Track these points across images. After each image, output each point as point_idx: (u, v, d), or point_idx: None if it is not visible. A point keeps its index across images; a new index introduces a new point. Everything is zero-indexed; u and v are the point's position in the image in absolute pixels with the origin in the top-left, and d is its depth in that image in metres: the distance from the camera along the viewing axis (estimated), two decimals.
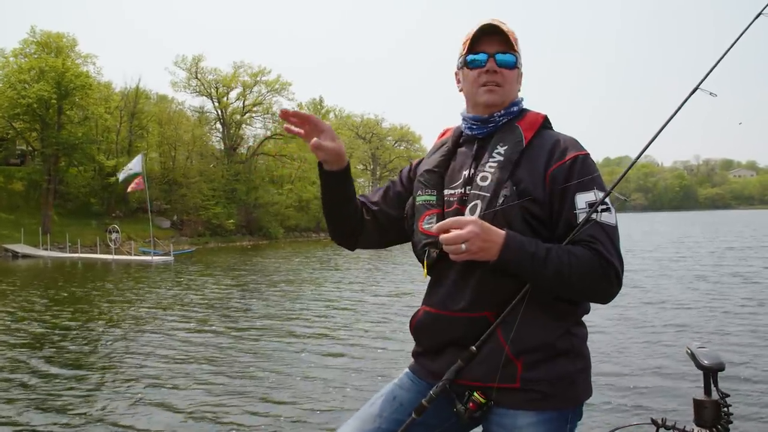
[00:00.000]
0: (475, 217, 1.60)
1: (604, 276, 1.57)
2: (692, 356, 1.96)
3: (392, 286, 15.93)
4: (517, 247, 1.55)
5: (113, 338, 9.72)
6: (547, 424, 1.64)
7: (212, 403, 6.19)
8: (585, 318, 1.77)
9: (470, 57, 1.77)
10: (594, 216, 1.60)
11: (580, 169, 1.65)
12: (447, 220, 1.58)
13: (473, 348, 1.63)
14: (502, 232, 1.56)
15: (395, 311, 12.09)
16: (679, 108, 1.74)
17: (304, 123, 1.76)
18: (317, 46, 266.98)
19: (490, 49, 1.75)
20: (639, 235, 41.29)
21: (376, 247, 2.06)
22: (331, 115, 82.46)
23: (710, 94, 1.72)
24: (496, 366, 1.61)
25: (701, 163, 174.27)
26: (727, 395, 1.87)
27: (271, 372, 7.42)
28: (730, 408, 1.86)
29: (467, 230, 1.52)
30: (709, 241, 32.80)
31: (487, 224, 1.56)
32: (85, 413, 5.90)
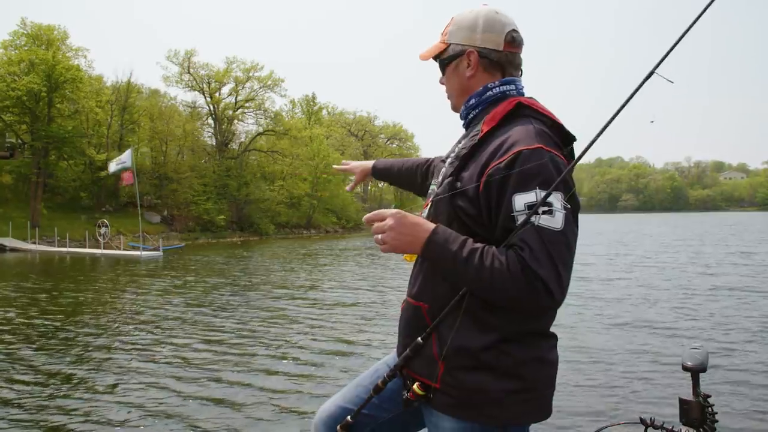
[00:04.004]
0: (396, 209, 1.59)
1: (527, 286, 1.44)
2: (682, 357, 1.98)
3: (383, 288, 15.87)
4: (440, 243, 1.53)
5: (81, 335, 9.55)
6: None
7: (190, 403, 6.11)
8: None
9: None
10: (533, 219, 1.47)
11: (521, 166, 1.50)
12: (373, 212, 1.61)
13: (419, 340, 1.65)
14: (430, 228, 1.55)
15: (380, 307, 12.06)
16: (635, 92, 1.61)
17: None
18: (311, 42, 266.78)
19: None
20: (630, 237, 41.42)
21: None
22: (324, 112, 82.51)
23: (667, 80, 1.57)
24: (427, 363, 1.65)
25: (692, 165, 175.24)
26: (709, 395, 1.87)
27: (252, 371, 7.35)
28: (713, 407, 1.87)
29: (382, 224, 1.56)
30: (704, 245, 32.96)
31: (411, 217, 1.57)
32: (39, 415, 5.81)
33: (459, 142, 1.82)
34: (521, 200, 1.49)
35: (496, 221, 1.54)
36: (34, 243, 35.94)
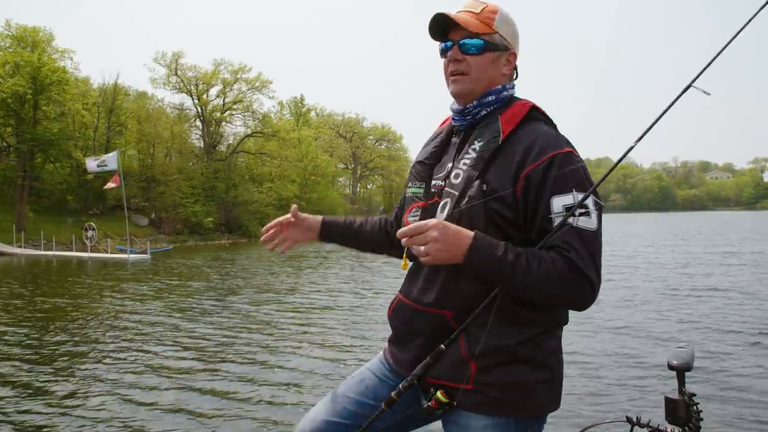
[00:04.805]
0: (437, 220, 1.55)
1: (575, 285, 1.50)
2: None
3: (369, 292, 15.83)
4: (484, 250, 1.51)
5: (53, 343, 9.30)
6: (500, 429, 1.61)
7: (173, 407, 6.03)
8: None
9: (441, 46, 1.75)
10: (570, 220, 1.52)
11: (558, 169, 1.55)
12: (409, 225, 1.54)
13: (442, 346, 1.60)
14: (470, 234, 1.52)
15: (367, 311, 12.04)
16: (670, 106, 1.67)
17: (282, 228, 2.10)
18: (300, 43, 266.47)
19: (457, 35, 1.71)
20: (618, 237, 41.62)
21: None
22: (312, 113, 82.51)
23: (704, 92, 1.63)
24: (454, 366, 1.61)
25: (679, 165, 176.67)
26: (694, 394, 1.87)
27: (239, 374, 7.29)
28: (698, 406, 1.87)
29: (425, 236, 1.50)
30: (690, 244, 33.14)
31: (452, 227, 1.52)
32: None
33: (462, 141, 1.75)
34: (559, 202, 1.53)
35: (532, 223, 1.57)
36: (20, 246, 35.64)
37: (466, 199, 1.59)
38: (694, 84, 1.62)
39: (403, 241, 1.54)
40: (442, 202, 1.67)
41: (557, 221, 1.52)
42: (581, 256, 1.49)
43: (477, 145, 1.66)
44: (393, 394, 1.65)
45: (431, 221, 1.53)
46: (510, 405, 1.59)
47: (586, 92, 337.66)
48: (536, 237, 1.55)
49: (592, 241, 1.52)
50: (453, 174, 1.67)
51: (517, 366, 1.59)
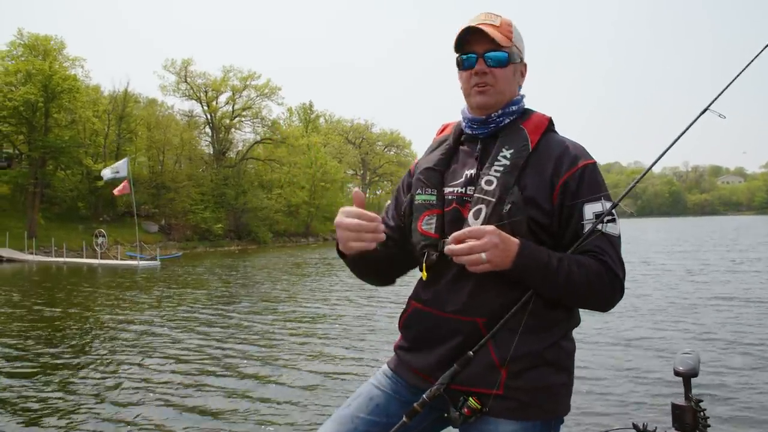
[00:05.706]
0: (492, 226, 1.53)
1: (610, 286, 1.59)
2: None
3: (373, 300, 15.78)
4: (531, 255, 1.54)
5: (43, 354, 9.26)
6: None
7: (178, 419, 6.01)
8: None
9: (462, 58, 1.74)
10: (600, 227, 1.60)
11: (590, 178, 1.64)
12: (463, 230, 1.53)
13: (470, 353, 1.59)
14: (516, 240, 1.54)
15: (372, 320, 12.01)
16: (688, 128, 1.77)
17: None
18: (308, 49, 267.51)
19: (480, 48, 1.71)
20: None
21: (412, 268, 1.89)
22: (321, 120, 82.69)
23: (719, 115, 1.74)
24: (483, 372, 1.60)
25: (690, 170, 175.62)
26: (701, 400, 1.85)
27: (243, 383, 7.27)
28: (705, 412, 1.85)
29: (485, 240, 1.49)
30: (703, 251, 32.90)
31: (504, 233, 1.53)
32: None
33: (484, 149, 1.73)
34: (590, 209, 1.62)
35: (565, 228, 1.63)
36: (32, 253, 35.90)
37: (508, 206, 1.59)
38: (710, 108, 1.73)
39: (456, 247, 1.51)
40: (474, 209, 1.63)
41: (587, 227, 1.60)
42: (613, 259, 1.59)
43: (507, 153, 1.67)
44: (416, 405, 1.61)
45: (487, 227, 1.52)
46: (537, 408, 1.61)
47: (593, 96, 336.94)
48: (568, 241, 1.62)
49: (618, 245, 1.63)
50: (484, 181, 1.65)
51: (545, 369, 1.62)
